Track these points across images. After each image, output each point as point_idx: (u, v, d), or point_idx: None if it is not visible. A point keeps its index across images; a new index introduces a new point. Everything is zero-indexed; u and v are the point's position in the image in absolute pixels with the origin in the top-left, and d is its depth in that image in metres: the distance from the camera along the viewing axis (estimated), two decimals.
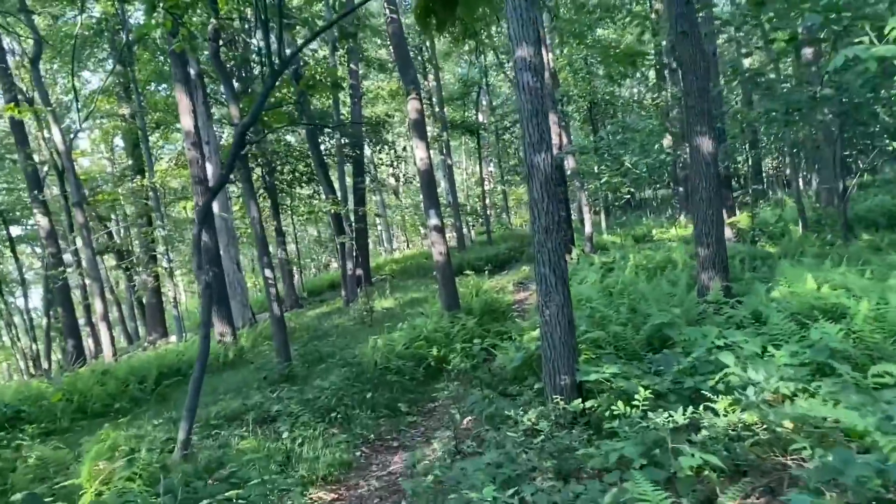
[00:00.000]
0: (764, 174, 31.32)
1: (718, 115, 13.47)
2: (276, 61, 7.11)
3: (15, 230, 28.02)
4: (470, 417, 6.02)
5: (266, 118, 10.02)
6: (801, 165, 17.27)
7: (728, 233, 12.84)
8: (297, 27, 11.53)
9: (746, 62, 22.08)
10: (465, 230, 30.33)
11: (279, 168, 22.21)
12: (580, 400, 4.93)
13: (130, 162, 23.42)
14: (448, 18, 7.09)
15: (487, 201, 29.79)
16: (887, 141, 12.01)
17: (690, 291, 8.17)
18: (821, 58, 14.32)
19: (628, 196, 21.95)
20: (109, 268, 35.26)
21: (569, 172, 18.01)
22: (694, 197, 7.99)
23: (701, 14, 12.28)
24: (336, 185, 19.25)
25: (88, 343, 22.06)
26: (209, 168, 15.63)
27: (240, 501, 4.49)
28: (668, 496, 3.08)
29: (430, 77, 26.92)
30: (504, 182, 33.82)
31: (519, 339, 7.52)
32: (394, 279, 21.15)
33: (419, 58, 26.35)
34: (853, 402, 3.64)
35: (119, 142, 26.59)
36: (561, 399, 4.99)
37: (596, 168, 24.14)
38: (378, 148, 25.81)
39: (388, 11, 10.45)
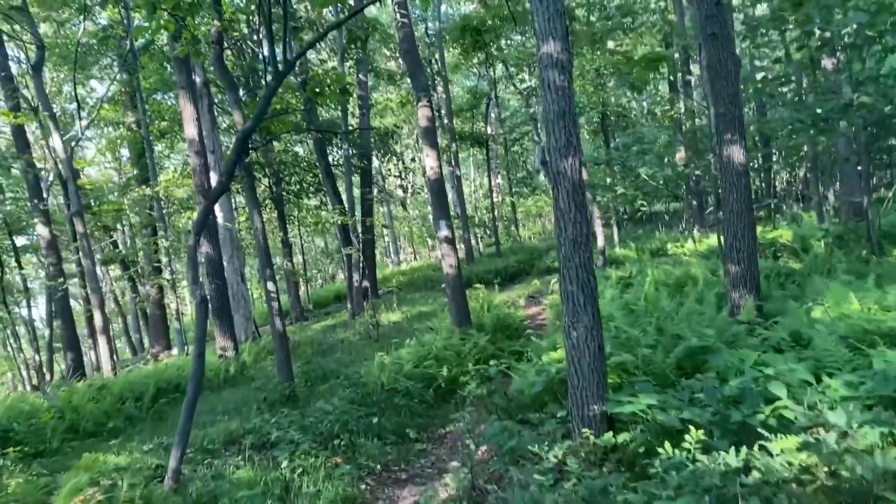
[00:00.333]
0: (776, 188, 30.75)
1: None
2: (280, 63, 6.69)
3: (20, 240, 27.67)
4: (486, 447, 5.52)
5: (273, 126, 9.57)
6: (819, 179, 16.73)
7: None
8: (304, 30, 11.17)
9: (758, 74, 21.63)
10: (473, 242, 29.85)
11: (286, 179, 21.85)
12: (612, 433, 4.42)
13: (136, 171, 23.11)
14: None
15: (496, 213, 29.30)
16: None
17: (720, 310, 7.65)
18: (840, 69, 13.85)
19: (644, 209, 21.46)
20: (115, 278, 34.94)
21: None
22: (724, 210, 7.50)
23: None
24: (343, 196, 18.84)
25: (91, 356, 21.64)
26: (213, 178, 15.22)
27: None
28: None
29: (440, 89, 26.56)
30: (513, 194, 33.34)
31: (537, 360, 7.01)
32: (401, 292, 20.66)
33: (428, 70, 26.00)
34: None
35: (126, 151, 26.29)
36: (590, 432, 4.48)
37: (608, 180, 23.71)
38: (386, 159, 25.45)
39: (398, 16, 10.03)
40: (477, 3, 29.41)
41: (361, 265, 17.16)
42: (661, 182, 14.53)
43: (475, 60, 26.37)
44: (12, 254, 26.64)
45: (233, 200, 19.66)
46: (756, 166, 19.72)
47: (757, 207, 23.08)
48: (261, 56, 18.94)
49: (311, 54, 22.48)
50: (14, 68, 19.33)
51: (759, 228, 16.17)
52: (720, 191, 7.49)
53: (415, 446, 6.38)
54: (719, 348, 5.93)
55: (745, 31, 11.04)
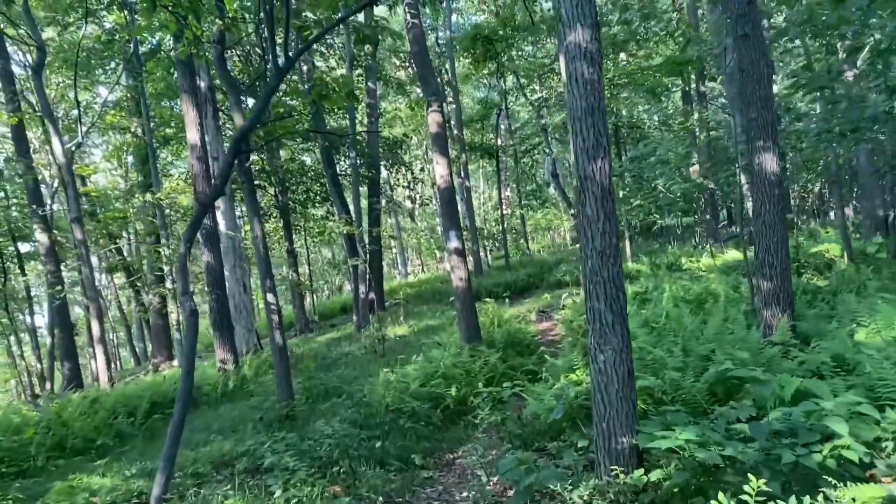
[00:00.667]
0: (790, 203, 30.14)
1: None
2: (281, 58, 6.26)
3: (24, 246, 27.35)
4: (497, 478, 5.02)
5: (273, 128, 9.14)
6: (841, 193, 16.17)
7: None
8: (310, 30, 10.78)
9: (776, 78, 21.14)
10: (482, 255, 29.35)
11: (293, 188, 21.47)
12: (643, 470, 3.91)
13: (141, 178, 22.78)
14: None
15: (506, 225, 28.81)
16: None
17: (748, 330, 7.13)
18: (862, 75, 13.36)
19: (660, 222, 20.98)
20: (119, 286, 34.63)
21: None
22: (754, 222, 6.99)
23: None
24: (350, 206, 18.43)
25: (91, 365, 21.19)
26: None
27: None
28: None
29: (450, 99, 26.17)
30: (522, 206, 32.86)
31: (553, 381, 6.50)
32: (408, 304, 20.18)
33: (438, 80, 25.62)
34: None
35: (131, 158, 26.00)
36: (619, 469, 3.97)
37: (621, 193, 23.21)
38: (395, 169, 25.02)
39: (408, 17, 9.61)
40: (488, 13, 29.14)
41: (368, 277, 16.68)
42: (678, 195, 14.01)
43: (485, 71, 26.02)
44: (16, 260, 26.38)
45: (238, 209, 19.27)
46: None
47: None
48: (267, 62, 18.60)
49: (319, 62, 22.16)
50: (19, 72, 19.09)
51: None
52: (751, 201, 6.99)
53: (420, 474, 5.86)
54: (755, 372, 5.41)
55: (771, 35, 10.57)
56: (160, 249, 16.31)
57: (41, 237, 15.87)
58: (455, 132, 25.11)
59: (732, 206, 27.86)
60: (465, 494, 5.23)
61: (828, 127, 9.96)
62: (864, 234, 16.69)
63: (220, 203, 14.90)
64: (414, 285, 26.75)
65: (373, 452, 5.98)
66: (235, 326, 14.97)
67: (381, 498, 5.26)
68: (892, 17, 6.91)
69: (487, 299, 14.09)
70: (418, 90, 28.31)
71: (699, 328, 7.60)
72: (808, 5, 8.81)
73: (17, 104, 15.34)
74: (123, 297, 36.06)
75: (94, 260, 32.41)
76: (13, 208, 24.42)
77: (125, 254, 28.93)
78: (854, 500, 2.97)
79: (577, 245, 31.82)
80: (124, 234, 28.71)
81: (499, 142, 29.39)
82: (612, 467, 4.04)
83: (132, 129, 20.30)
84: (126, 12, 15.57)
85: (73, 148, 14.74)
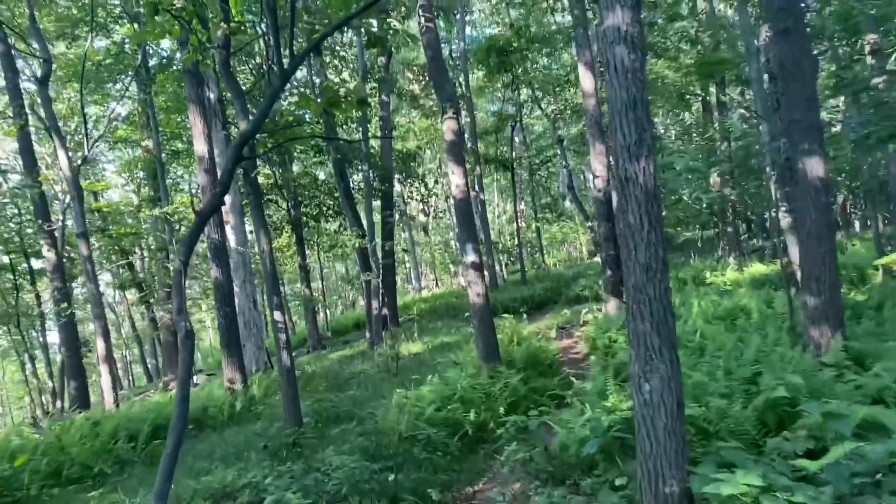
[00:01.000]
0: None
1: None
2: (286, 58, 5.81)
3: (38, 263, 27.17)
4: None
5: (276, 134, 8.68)
6: (876, 202, 15.52)
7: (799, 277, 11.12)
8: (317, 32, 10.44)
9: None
10: (497, 269, 28.81)
11: (305, 202, 21.10)
12: None
13: (152, 193, 22.51)
14: None
15: (521, 239, 28.27)
16: None
17: (792, 349, 6.54)
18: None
19: (686, 235, 20.32)
20: (132, 303, 34.37)
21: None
22: (799, 232, 6.44)
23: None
24: (363, 220, 17.99)
25: (100, 384, 20.82)
26: (226, 199, 14.45)
27: None
28: None
29: (464, 112, 25.78)
30: (538, 219, 32.32)
31: (582, 408, 5.93)
32: (422, 320, 19.63)
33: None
34: None
35: (143, 173, 25.79)
36: None
37: None
38: (408, 182, 24.63)
39: (422, 20, 9.17)
40: (502, 25, 28.79)
41: (381, 292, 16.20)
42: (703, 205, 13.43)
43: (499, 84, 25.66)
44: (28, 277, 26.18)
45: (248, 223, 18.90)
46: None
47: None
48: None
49: (332, 75, 21.84)
50: (30, 87, 18.89)
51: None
52: (797, 210, 6.42)
53: None
54: (808, 399, 4.84)
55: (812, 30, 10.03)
56: (169, 265, 15.92)
57: (48, 253, 15.54)
58: (469, 144, 24.68)
59: (754, 217, 27.17)
60: None
61: (866, 132, 9.39)
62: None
63: (229, 217, 14.52)
64: (428, 300, 26.23)
65: (385, 487, 5.44)
66: (245, 344, 14.52)
67: None
68: None
69: (505, 315, 13.56)
70: (432, 102, 28.02)
71: (737, 348, 7.03)
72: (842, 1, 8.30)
73: (25, 118, 15.06)
74: (137, 314, 35.83)
75: (107, 276, 32.27)
76: (27, 224, 24.27)
77: (138, 270, 28.64)
78: None
79: (595, 258, 31.19)
80: (136, 250, 28.46)
81: (512, 154, 28.92)
82: None
83: (142, 144, 20.02)
84: (136, 25, 15.34)
85: (80, 162, 14.42)
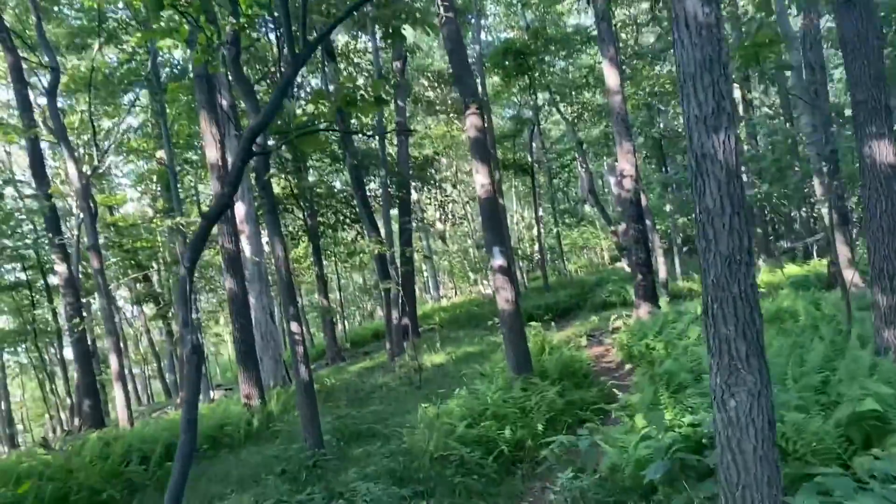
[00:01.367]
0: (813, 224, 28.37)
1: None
2: (299, 44, 5.30)
3: (54, 279, 26.99)
4: None
5: (284, 126, 8.16)
6: None
7: (850, 276, 10.44)
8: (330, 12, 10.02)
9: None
10: (518, 276, 28.16)
11: (321, 211, 20.67)
12: None
13: (167, 205, 22.18)
14: None
15: (543, 245, 27.64)
16: None
17: (862, 352, 5.89)
18: None
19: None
20: (149, 317, 34.13)
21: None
22: (867, 224, 5.81)
23: None
24: (381, 230, 17.51)
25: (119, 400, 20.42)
26: (241, 207, 14.02)
27: None
28: None
29: None
30: (559, 224, 31.68)
31: (632, 424, 5.34)
32: (443, 329, 19.08)
33: None
34: None
35: (158, 185, 25.50)
36: None
37: (668, 206, 21.94)
38: (426, 189, 24.12)
39: (441, 10, 8.66)
40: (517, 29, 28.31)
41: (401, 301, 15.66)
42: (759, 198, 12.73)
43: (516, 88, 25.15)
44: (45, 293, 25.98)
45: (265, 233, 18.47)
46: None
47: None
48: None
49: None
50: (43, 100, 18.65)
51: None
52: (864, 199, 5.79)
53: None
54: None
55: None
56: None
57: (60, 267, 15.19)
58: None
59: (782, 218, 26.39)
60: None
61: None
62: None
63: (244, 227, 14.08)
64: (448, 309, 25.69)
65: None
66: (262, 358, 14.04)
67: None
68: None
69: (531, 323, 12.99)
70: (448, 109, 27.54)
71: (794, 352, 6.39)
72: None
73: (36, 133, 14.75)
74: (155, 329, 35.58)
75: (124, 291, 32.05)
76: (43, 240, 24.06)
77: (154, 284, 28.35)
78: None
79: (618, 264, 30.48)
80: (154, 264, 28.21)
81: (531, 158, 28.40)
82: None
83: (155, 155, 19.70)
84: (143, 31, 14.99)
85: (90, 173, 14.06)
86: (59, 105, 19.10)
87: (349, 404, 11.01)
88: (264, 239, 15.80)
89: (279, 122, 6.12)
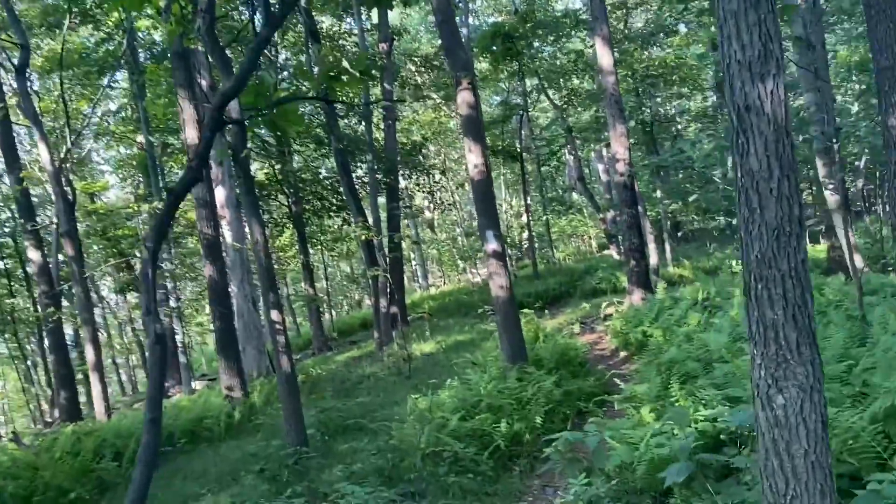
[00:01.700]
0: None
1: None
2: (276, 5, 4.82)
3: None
4: None
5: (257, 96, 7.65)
6: None
7: (858, 260, 10.10)
8: None
9: None
10: (508, 263, 27.74)
11: (307, 197, 20.11)
12: None
13: (148, 191, 21.52)
14: None
15: (531, 233, 27.19)
16: None
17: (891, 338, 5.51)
18: None
19: (715, 222, 19.15)
20: (132, 306, 33.41)
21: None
22: (892, 202, 5.41)
23: None
24: (369, 217, 16.99)
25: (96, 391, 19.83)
26: (221, 192, 13.47)
27: None
28: None
29: None
30: (547, 212, 31.24)
31: (639, 417, 4.92)
32: (432, 318, 18.64)
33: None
34: None
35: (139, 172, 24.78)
36: None
37: (658, 192, 21.56)
38: (414, 176, 23.59)
39: None
40: (505, 14, 27.78)
41: (389, 289, 15.19)
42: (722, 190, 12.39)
43: (504, 74, 24.66)
44: (24, 282, 25.25)
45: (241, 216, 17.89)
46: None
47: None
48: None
49: None
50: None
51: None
52: (888, 175, 5.39)
53: None
54: None
55: None
56: (163, 265, 14.95)
57: (34, 255, 14.56)
58: None
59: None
60: None
61: None
62: None
63: (225, 212, 13.54)
64: (437, 298, 25.25)
65: None
66: (245, 347, 13.55)
67: None
68: None
69: (524, 310, 12.59)
70: (435, 96, 27.02)
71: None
72: None
73: (6, 112, 14.07)
74: (139, 318, 34.85)
75: (109, 280, 31.33)
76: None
77: (138, 272, 27.62)
78: None
79: (605, 252, 30.15)
80: (137, 252, 27.52)
81: (519, 146, 27.93)
82: None
83: (134, 139, 19.05)
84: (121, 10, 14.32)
85: (62, 155, 13.42)
86: (35, 89, 18.47)
87: (335, 395, 10.56)
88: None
89: (257, 96, 5.63)
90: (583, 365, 8.92)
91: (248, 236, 15.30)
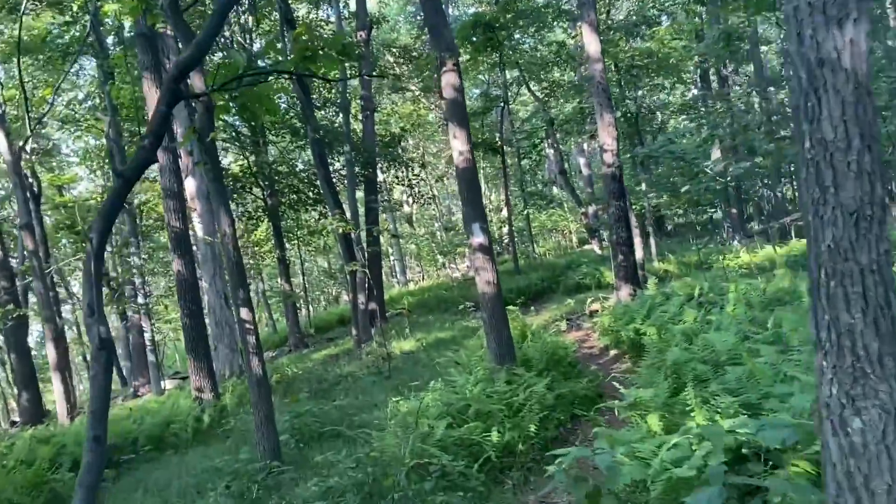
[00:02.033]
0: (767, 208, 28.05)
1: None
2: None
3: None
4: None
5: (220, 70, 7.08)
6: None
7: None
8: None
9: None
10: None
11: (282, 190, 19.48)
12: None
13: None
14: None
15: (512, 228, 26.74)
16: None
17: None
18: None
19: (705, 214, 18.93)
20: (104, 303, 32.49)
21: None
22: None
23: None
24: (347, 210, 16.41)
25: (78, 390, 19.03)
26: (191, 182, 12.82)
27: None
28: None
29: None
30: (528, 206, 30.81)
31: (647, 427, 4.45)
32: (412, 314, 18.12)
33: (436, 76, 23.64)
34: None
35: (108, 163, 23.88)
36: None
37: (643, 185, 21.22)
38: (393, 169, 23.04)
39: None
40: (486, 4, 27.25)
41: (367, 284, 14.63)
42: (728, 179, 12.02)
43: (485, 66, 24.21)
44: None
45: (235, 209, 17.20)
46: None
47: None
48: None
49: None
50: None
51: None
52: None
53: None
54: None
55: None
56: (130, 260, 14.25)
57: None
58: None
59: (754, 199, 25.97)
60: None
61: None
62: None
63: (195, 204, 12.90)
64: (415, 293, 24.76)
65: None
66: (217, 346, 12.98)
67: None
68: None
69: (509, 307, 12.11)
70: (414, 88, 26.47)
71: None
72: None
73: None
74: (111, 315, 33.91)
75: (80, 275, 30.37)
76: None
77: (109, 267, 26.80)
78: None
79: (586, 246, 29.81)
80: (108, 247, 26.61)
81: (499, 139, 27.46)
82: None
83: (102, 128, 18.25)
84: None
85: (21, 143, 12.68)
86: None
87: (311, 396, 10.00)
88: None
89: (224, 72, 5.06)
90: (574, 365, 8.45)
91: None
